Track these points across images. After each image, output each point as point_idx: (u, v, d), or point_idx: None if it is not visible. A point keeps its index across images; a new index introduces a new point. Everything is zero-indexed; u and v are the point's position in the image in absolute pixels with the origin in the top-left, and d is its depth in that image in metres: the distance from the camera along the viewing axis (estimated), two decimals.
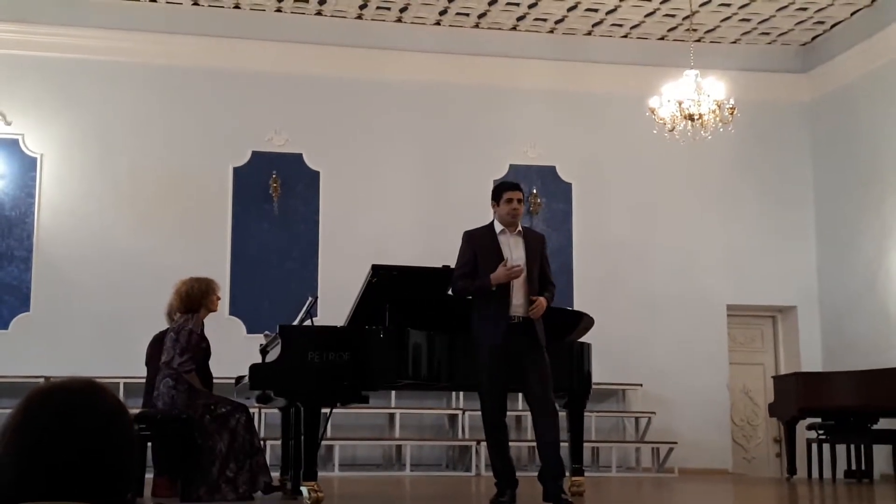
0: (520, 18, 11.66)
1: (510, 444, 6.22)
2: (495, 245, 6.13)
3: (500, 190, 6.26)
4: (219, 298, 6.84)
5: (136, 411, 6.66)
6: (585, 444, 8.17)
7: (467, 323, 6.19)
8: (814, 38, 12.25)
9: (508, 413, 6.22)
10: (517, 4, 11.30)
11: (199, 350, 6.59)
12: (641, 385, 11.57)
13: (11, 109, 10.95)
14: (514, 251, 6.12)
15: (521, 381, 6.04)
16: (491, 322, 5.99)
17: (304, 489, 6.08)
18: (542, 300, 6.03)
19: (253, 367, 6.30)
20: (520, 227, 6.25)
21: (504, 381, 6.04)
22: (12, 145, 10.94)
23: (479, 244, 6.17)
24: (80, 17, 11.06)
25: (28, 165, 10.94)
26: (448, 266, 6.33)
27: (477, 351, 6.03)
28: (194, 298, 6.64)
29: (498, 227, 6.22)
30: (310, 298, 6.81)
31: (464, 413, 10.85)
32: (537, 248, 6.25)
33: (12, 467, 1.53)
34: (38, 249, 10.81)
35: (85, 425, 1.55)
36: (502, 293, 6.01)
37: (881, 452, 10.13)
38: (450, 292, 6.38)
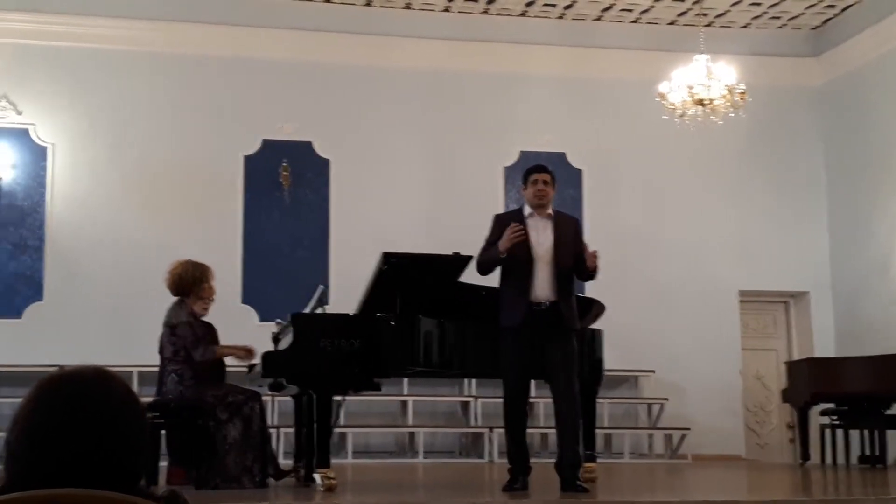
0: (529, 4, 11.62)
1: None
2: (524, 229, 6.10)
3: (527, 173, 6.25)
4: (211, 287, 6.67)
5: (149, 400, 6.69)
6: (598, 431, 8.15)
7: (478, 310, 6.18)
8: (825, 22, 12.18)
9: None
10: None
11: (208, 332, 6.55)
12: (654, 371, 11.56)
13: (22, 99, 10.98)
14: (541, 234, 6.07)
15: (546, 367, 6.01)
16: (512, 305, 5.97)
17: (317, 476, 6.09)
18: (594, 252, 5.97)
19: (265, 355, 6.31)
20: (550, 210, 6.18)
21: (525, 366, 5.99)
22: (23, 135, 10.97)
23: (506, 227, 6.15)
24: (90, 7, 11.06)
25: (39, 155, 10.97)
26: (458, 253, 6.32)
27: (500, 335, 6.02)
28: (186, 283, 6.55)
29: (527, 210, 6.19)
30: (321, 286, 6.81)
31: (476, 400, 10.86)
32: (569, 231, 6.15)
33: (25, 454, 1.55)
34: (50, 239, 10.85)
35: (96, 413, 1.56)
36: (524, 276, 5.97)
37: (895, 438, 10.10)
38: (463, 277, 6.37)
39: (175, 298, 6.78)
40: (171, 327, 6.49)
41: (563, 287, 6.00)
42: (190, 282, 6.55)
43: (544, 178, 6.16)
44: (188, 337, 6.41)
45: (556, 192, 6.33)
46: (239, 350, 6.63)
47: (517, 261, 6.02)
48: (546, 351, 5.95)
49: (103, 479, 1.52)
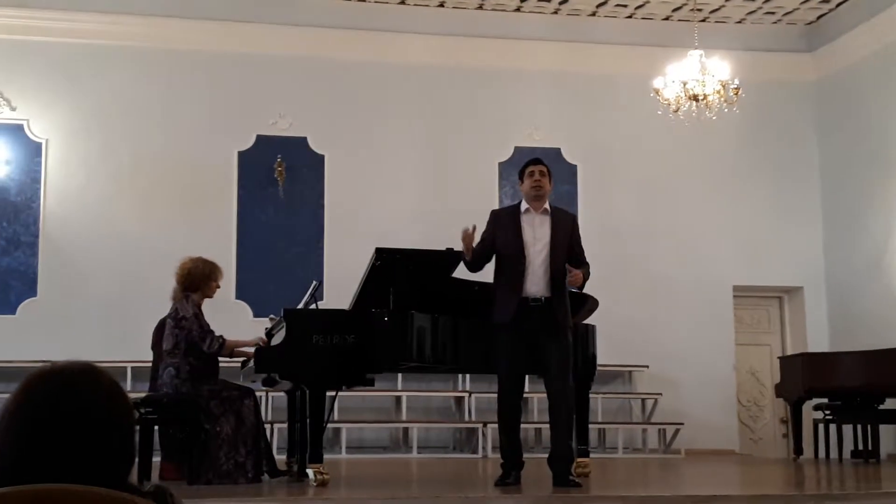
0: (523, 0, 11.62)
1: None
2: (517, 224, 6.09)
3: (524, 166, 6.26)
4: (218, 287, 6.72)
5: (142, 395, 6.69)
6: (592, 426, 8.16)
7: (471, 306, 6.19)
8: (819, 18, 12.18)
9: None
10: None
11: (206, 325, 6.54)
12: (648, 366, 11.57)
13: (16, 95, 10.96)
14: (537, 230, 6.07)
15: (540, 363, 6.01)
16: (505, 301, 5.98)
17: (310, 472, 6.09)
18: (578, 272, 5.92)
19: (258, 351, 6.31)
20: (546, 206, 6.17)
21: (519, 362, 6.00)
22: (17, 130, 10.95)
23: (501, 223, 6.16)
24: (83, 2, 11.04)
25: (33, 151, 10.95)
26: (452, 249, 6.32)
27: (494, 330, 6.03)
28: (195, 279, 6.57)
29: (524, 206, 6.18)
30: (314, 282, 6.80)
31: (470, 395, 10.87)
32: (566, 228, 6.14)
33: (11, 449, 1.54)
34: (44, 234, 10.84)
35: (83, 407, 1.56)
36: (517, 272, 5.98)
37: (888, 432, 10.13)
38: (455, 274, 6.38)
39: (175, 292, 6.83)
40: (176, 319, 6.47)
41: (557, 283, 6.00)
42: (199, 278, 6.57)
43: (541, 169, 6.17)
44: (195, 329, 6.41)
45: (552, 186, 6.32)
46: (252, 343, 6.60)
47: (510, 257, 6.03)
48: (540, 347, 5.96)
49: (90, 474, 1.52)
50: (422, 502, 5.55)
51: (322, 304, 6.83)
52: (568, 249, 6.09)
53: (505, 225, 6.13)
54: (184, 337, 6.44)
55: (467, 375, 10.77)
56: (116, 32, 11.13)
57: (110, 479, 1.53)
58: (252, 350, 6.45)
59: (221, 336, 6.46)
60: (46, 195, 10.90)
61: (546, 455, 6.21)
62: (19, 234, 10.82)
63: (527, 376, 6.38)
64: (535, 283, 5.98)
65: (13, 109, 10.94)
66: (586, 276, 6.08)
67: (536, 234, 6.05)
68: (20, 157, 10.92)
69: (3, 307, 10.71)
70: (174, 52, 11.26)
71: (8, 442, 1.55)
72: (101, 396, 1.59)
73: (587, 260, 6.21)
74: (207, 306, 6.73)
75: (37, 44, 10.98)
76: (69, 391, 1.56)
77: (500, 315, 5.97)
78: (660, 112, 10.32)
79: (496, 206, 11.51)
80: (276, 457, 6.98)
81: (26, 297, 10.77)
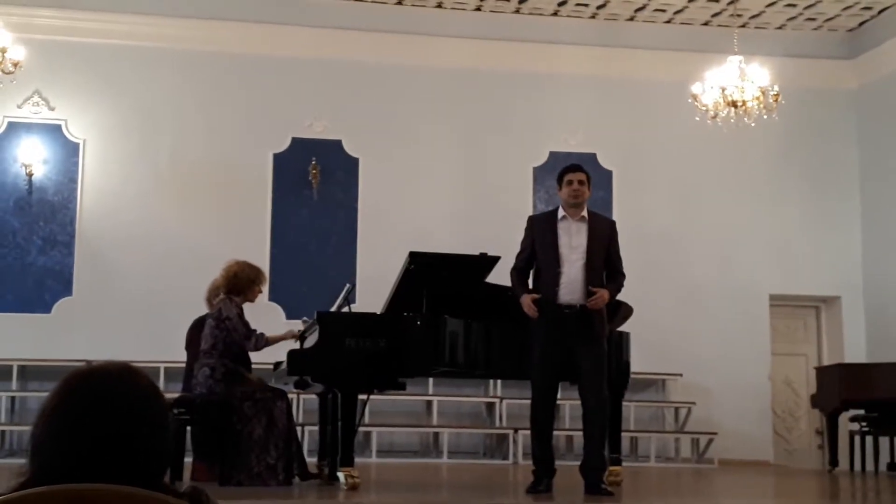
0: (561, 4, 11.57)
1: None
2: (553, 231, 6.06)
3: (562, 173, 6.22)
4: (261, 292, 6.81)
5: (176, 395, 6.71)
6: (624, 434, 8.12)
7: (504, 311, 6.15)
8: (861, 24, 12.03)
9: None
10: None
11: (249, 325, 6.59)
12: (682, 375, 11.47)
13: (54, 95, 11.06)
14: (573, 237, 6.03)
15: (576, 371, 5.97)
16: (541, 307, 5.94)
17: (340, 475, 6.09)
18: (603, 292, 5.88)
19: (291, 353, 6.31)
20: (584, 213, 6.12)
21: (553, 369, 5.96)
22: (55, 131, 11.05)
23: (539, 230, 6.13)
24: (121, 3, 11.13)
25: (71, 151, 11.05)
26: (485, 254, 6.29)
27: (530, 335, 5.99)
28: (241, 282, 6.62)
29: (561, 212, 6.14)
30: (347, 285, 6.81)
31: (501, 401, 10.82)
32: (604, 235, 6.09)
33: (49, 449, 1.56)
34: (80, 234, 10.92)
35: (120, 408, 1.57)
36: (553, 278, 5.95)
37: None
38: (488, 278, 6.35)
39: (210, 293, 6.93)
40: (219, 320, 6.49)
41: (593, 291, 5.95)
42: (245, 281, 6.63)
43: (580, 177, 6.11)
44: (240, 330, 6.44)
45: (591, 192, 6.27)
46: (287, 336, 6.73)
47: (546, 263, 6.00)
48: (576, 354, 5.92)
49: (126, 474, 1.52)
50: None
51: (355, 308, 6.81)
52: (605, 257, 6.04)
53: (542, 231, 6.10)
54: (223, 338, 6.46)
55: (499, 381, 10.72)
56: (154, 34, 11.21)
57: (146, 480, 1.54)
58: (288, 338, 6.66)
59: (263, 334, 6.53)
60: (83, 195, 10.99)
61: (577, 462, 6.17)
62: (56, 233, 10.91)
63: (560, 383, 6.34)
64: (571, 290, 5.94)
65: (52, 109, 11.04)
66: (614, 293, 6.03)
67: (573, 242, 6.01)
68: (58, 157, 11.02)
69: (39, 306, 10.80)
70: (211, 54, 11.32)
71: (46, 441, 1.56)
72: (139, 397, 1.60)
73: (623, 270, 6.15)
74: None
75: (75, 45, 11.07)
76: (107, 392, 1.57)
77: (536, 323, 5.94)
78: (697, 118, 10.23)
79: (530, 211, 11.50)
80: (308, 459, 6.98)
81: (62, 296, 10.85)
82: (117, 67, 11.18)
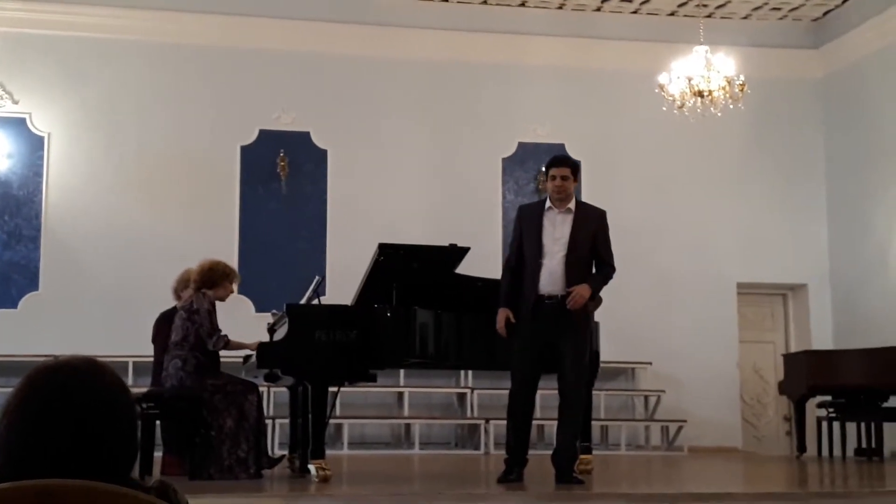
0: None
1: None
2: (539, 222, 6.06)
3: (548, 166, 6.24)
4: (233, 291, 6.78)
5: (144, 390, 6.67)
6: (594, 423, 8.16)
7: (475, 302, 6.16)
8: (825, 14, 12.13)
9: None
10: None
11: (216, 323, 6.54)
12: (651, 363, 11.54)
13: (18, 88, 10.93)
14: (557, 228, 6.02)
15: (554, 361, 5.98)
16: (522, 299, 5.95)
17: (311, 467, 6.08)
18: (580, 289, 5.87)
19: (261, 346, 6.29)
20: (571, 205, 6.11)
21: (533, 359, 5.97)
22: (20, 124, 10.93)
23: (526, 221, 6.13)
24: None
25: (35, 144, 10.93)
26: (455, 245, 6.30)
27: (510, 327, 6.00)
28: (215, 275, 6.58)
29: (548, 203, 6.15)
30: (317, 277, 6.79)
31: (472, 392, 10.85)
32: (590, 226, 6.08)
33: (14, 444, 1.55)
34: (46, 228, 10.82)
35: (85, 403, 1.56)
36: (533, 269, 5.96)
37: (891, 430, 10.09)
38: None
39: (178, 287, 6.93)
40: (189, 312, 6.45)
41: (575, 281, 5.94)
42: (219, 275, 6.61)
43: (563, 172, 6.09)
44: (206, 324, 6.39)
45: (577, 182, 6.26)
46: (250, 346, 6.62)
47: (530, 254, 6.01)
48: (555, 344, 5.93)
49: (93, 469, 1.51)
50: (423, 498, 5.53)
51: (324, 300, 6.80)
52: (591, 248, 6.05)
53: (528, 222, 6.11)
54: (194, 330, 6.42)
55: (469, 371, 10.74)
56: (119, 26, 11.10)
57: (113, 475, 1.53)
58: (250, 348, 6.47)
59: (226, 336, 6.45)
60: (48, 189, 10.88)
61: (549, 452, 6.19)
62: (21, 228, 10.80)
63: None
64: (552, 281, 5.94)
65: (15, 103, 10.92)
66: (599, 285, 6.02)
67: (556, 233, 6.02)
68: (22, 151, 10.90)
69: (5, 301, 10.70)
70: (177, 46, 11.23)
71: (11, 436, 1.55)
72: (104, 391, 1.59)
73: (612, 262, 6.15)
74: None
75: (39, 37, 10.95)
76: (72, 386, 1.56)
77: (518, 313, 5.95)
78: (664, 108, 10.27)
79: (500, 202, 11.54)
80: (279, 452, 6.96)
81: (28, 291, 10.75)
82: (82, 60, 11.06)
